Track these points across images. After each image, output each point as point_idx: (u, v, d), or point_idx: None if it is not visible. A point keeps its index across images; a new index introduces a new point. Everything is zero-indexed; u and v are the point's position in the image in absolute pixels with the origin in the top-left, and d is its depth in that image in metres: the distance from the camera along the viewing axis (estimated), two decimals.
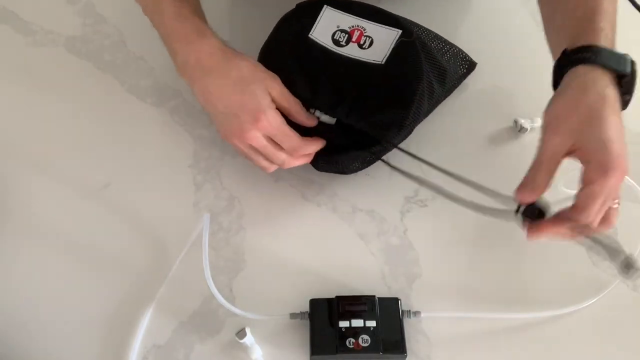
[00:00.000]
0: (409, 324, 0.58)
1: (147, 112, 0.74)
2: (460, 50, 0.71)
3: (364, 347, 0.54)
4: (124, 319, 0.59)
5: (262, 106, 0.55)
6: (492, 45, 0.79)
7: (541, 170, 0.47)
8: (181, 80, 0.70)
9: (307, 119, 0.61)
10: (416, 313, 0.58)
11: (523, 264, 0.62)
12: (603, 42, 0.49)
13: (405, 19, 0.66)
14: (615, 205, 0.48)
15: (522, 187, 0.47)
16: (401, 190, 0.67)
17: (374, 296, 0.57)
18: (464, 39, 0.78)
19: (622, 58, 0.49)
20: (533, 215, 0.48)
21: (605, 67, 0.47)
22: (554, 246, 0.63)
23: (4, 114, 0.74)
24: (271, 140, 0.57)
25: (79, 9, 0.84)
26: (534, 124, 0.70)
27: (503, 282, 0.61)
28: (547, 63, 0.76)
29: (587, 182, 0.45)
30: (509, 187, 0.67)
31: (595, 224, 0.46)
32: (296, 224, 0.66)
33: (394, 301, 0.58)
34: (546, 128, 0.48)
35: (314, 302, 0.58)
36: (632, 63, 0.49)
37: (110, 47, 0.80)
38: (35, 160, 0.70)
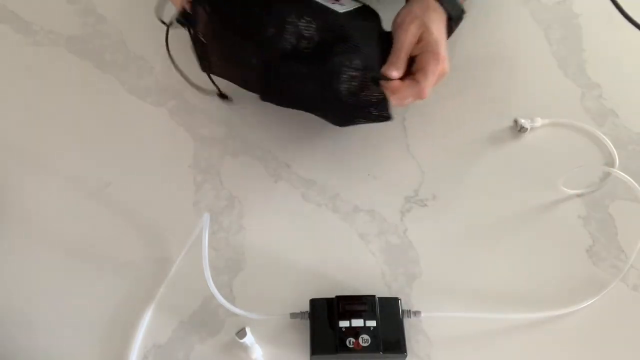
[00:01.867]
0: (409, 324, 0.58)
1: (147, 112, 0.74)
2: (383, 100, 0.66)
3: (364, 347, 0.54)
4: (124, 319, 0.59)
5: None
6: (492, 45, 0.79)
7: (403, 55, 0.60)
8: (181, 80, 0.70)
9: None
10: (416, 313, 0.58)
11: (523, 264, 0.62)
12: None
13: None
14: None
15: (391, 66, 0.60)
16: (401, 190, 0.67)
17: (374, 296, 0.57)
18: (464, 39, 0.78)
19: (455, 4, 0.64)
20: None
21: (442, 5, 0.63)
22: (554, 246, 0.63)
23: (4, 113, 0.74)
24: None
25: (79, 9, 0.84)
26: (534, 124, 0.70)
27: (503, 282, 0.61)
28: (547, 63, 0.76)
29: (422, 62, 0.60)
30: (509, 187, 0.68)
31: (427, 94, 0.61)
32: (296, 223, 0.66)
33: (394, 301, 0.58)
34: (400, 25, 0.62)
35: (314, 302, 0.58)
36: (461, 12, 0.65)
37: (111, 46, 0.80)
38: (36, 160, 0.70)
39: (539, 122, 0.71)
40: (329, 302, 0.57)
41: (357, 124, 0.67)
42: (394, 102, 0.62)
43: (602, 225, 0.64)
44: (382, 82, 0.60)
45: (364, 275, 0.62)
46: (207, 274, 0.56)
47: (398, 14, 0.64)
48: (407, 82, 0.60)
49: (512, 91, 0.75)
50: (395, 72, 0.60)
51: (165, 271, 0.61)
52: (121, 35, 0.80)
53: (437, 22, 0.62)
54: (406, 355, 0.55)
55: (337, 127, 0.69)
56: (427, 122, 0.72)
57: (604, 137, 0.70)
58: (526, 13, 0.82)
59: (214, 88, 0.69)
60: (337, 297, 0.57)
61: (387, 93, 0.61)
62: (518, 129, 0.71)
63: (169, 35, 0.65)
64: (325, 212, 0.66)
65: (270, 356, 0.57)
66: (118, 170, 0.69)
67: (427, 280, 0.61)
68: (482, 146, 0.71)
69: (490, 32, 0.81)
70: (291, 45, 0.60)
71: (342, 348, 0.54)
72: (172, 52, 0.66)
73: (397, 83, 0.60)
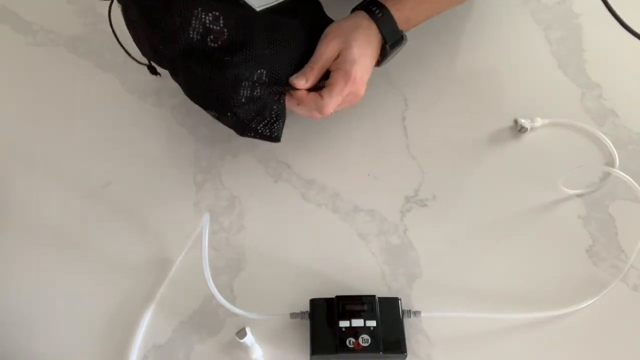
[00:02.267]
0: (409, 324, 0.58)
1: (148, 112, 0.74)
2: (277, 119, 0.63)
3: (364, 347, 0.54)
4: (124, 319, 0.59)
5: None
6: (492, 45, 0.79)
7: (317, 68, 0.60)
8: None
9: None
10: (416, 313, 0.58)
11: (523, 264, 0.62)
12: (395, 12, 0.63)
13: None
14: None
15: (300, 76, 0.59)
16: (401, 190, 0.67)
17: (374, 296, 0.57)
18: (464, 39, 0.78)
19: (393, 31, 0.63)
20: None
21: (378, 28, 0.62)
22: (554, 246, 0.63)
23: (4, 113, 0.74)
24: None
25: (79, 9, 0.84)
26: (534, 124, 0.70)
27: (503, 282, 0.61)
28: (547, 63, 0.76)
29: (332, 79, 0.59)
30: (509, 187, 0.68)
31: (329, 111, 0.60)
32: (296, 223, 0.66)
33: (394, 301, 0.58)
34: (324, 37, 0.61)
35: (314, 302, 0.58)
36: (397, 42, 0.63)
37: (111, 46, 0.79)
38: (36, 159, 0.70)
39: (539, 122, 0.71)
40: (329, 302, 0.57)
41: (246, 136, 0.64)
42: (300, 112, 0.61)
43: (602, 225, 0.64)
44: (288, 90, 0.59)
45: (364, 275, 0.62)
46: (207, 274, 0.56)
47: (329, 25, 0.63)
48: (311, 95, 0.59)
49: (512, 91, 0.75)
50: (302, 83, 0.59)
51: (165, 271, 0.61)
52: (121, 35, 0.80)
53: (362, 43, 0.60)
54: (406, 355, 0.55)
55: (337, 128, 0.69)
56: (427, 122, 0.72)
57: (604, 137, 0.70)
58: (526, 13, 0.82)
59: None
60: (337, 297, 0.57)
61: (291, 101, 0.60)
62: (518, 129, 0.71)
63: (112, 10, 0.64)
64: (325, 212, 0.66)
65: (270, 356, 0.57)
66: (118, 170, 0.69)
67: (427, 280, 0.61)
68: (482, 146, 0.71)
69: (490, 32, 0.81)
70: (196, 40, 0.56)
71: (342, 348, 0.54)
72: (115, 25, 0.65)
73: (301, 93, 0.59)
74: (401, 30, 0.63)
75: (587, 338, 0.58)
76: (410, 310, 0.58)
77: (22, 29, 0.81)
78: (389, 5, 0.62)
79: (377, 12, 0.62)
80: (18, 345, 0.58)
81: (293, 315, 0.58)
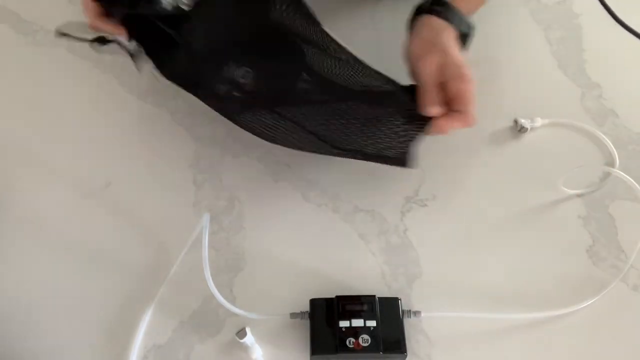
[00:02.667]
0: (409, 324, 0.58)
1: (148, 112, 0.74)
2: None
3: (364, 347, 0.54)
4: (124, 319, 0.59)
5: None
6: (492, 45, 0.79)
7: (431, 91, 0.59)
8: None
9: None
10: (416, 313, 0.58)
11: (523, 264, 0.62)
12: (457, 3, 0.64)
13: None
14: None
15: (427, 104, 0.59)
16: (401, 190, 0.67)
17: (374, 296, 0.57)
18: None
19: (463, 20, 0.63)
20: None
21: (449, 21, 0.62)
22: (554, 246, 0.63)
23: (4, 113, 0.74)
24: None
25: (79, 9, 0.83)
26: (534, 124, 0.70)
27: (503, 282, 0.61)
28: (547, 63, 0.76)
29: (454, 89, 0.59)
30: (509, 187, 0.68)
31: (474, 119, 0.60)
32: (296, 224, 0.66)
33: (394, 301, 0.58)
34: (417, 61, 0.61)
35: (314, 302, 0.58)
36: (470, 28, 0.64)
37: (111, 46, 0.79)
38: (36, 159, 0.70)
39: (539, 122, 0.71)
40: (329, 302, 0.57)
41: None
42: (439, 132, 0.61)
43: (602, 225, 0.64)
44: (425, 123, 0.59)
45: (364, 275, 0.62)
46: (207, 274, 0.56)
47: (411, 45, 0.63)
48: (450, 116, 0.59)
49: (512, 91, 0.75)
50: (435, 109, 0.58)
51: (165, 271, 0.61)
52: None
53: (452, 41, 0.61)
54: (406, 355, 0.55)
55: None
56: None
57: (604, 137, 0.70)
58: (526, 13, 0.82)
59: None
60: (337, 297, 0.57)
61: (433, 132, 0.60)
62: (518, 129, 0.71)
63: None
64: (325, 212, 0.66)
65: (270, 356, 0.57)
66: (118, 170, 0.69)
67: (427, 280, 0.61)
68: (482, 146, 0.71)
69: (490, 31, 0.80)
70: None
71: (342, 348, 0.54)
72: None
73: (441, 121, 0.59)
74: (468, 20, 0.64)
75: (587, 338, 0.58)
76: (410, 310, 0.58)
77: (22, 29, 0.81)
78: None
79: (440, 10, 0.63)
80: (18, 345, 0.58)
81: (293, 315, 0.58)
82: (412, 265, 0.62)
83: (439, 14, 0.63)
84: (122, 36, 0.62)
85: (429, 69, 0.59)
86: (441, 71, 0.59)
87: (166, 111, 0.74)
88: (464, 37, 0.64)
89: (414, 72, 0.61)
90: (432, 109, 0.58)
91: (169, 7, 0.58)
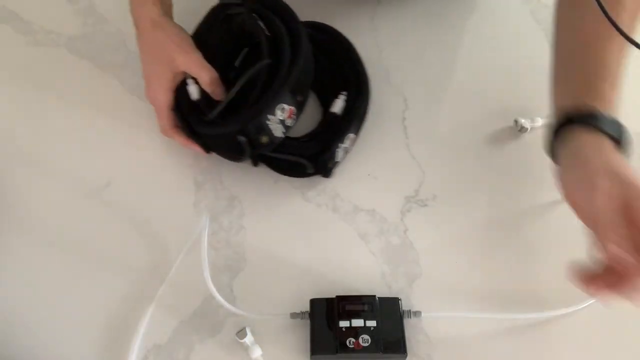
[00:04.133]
0: (409, 324, 0.58)
1: (148, 112, 0.73)
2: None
3: (364, 347, 0.54)
4: (124, 319, 0.59)
5: (153, 79, 0.65)
6: (492, 45, 0.79)
7: (615, 231, 0.45)
8: None
9: (215, 90, 0.63)
10: (416, 313, 0.58)
11: (523, 264, 0.62)
12: (605, 105, 0.52)
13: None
14: None
15: (609, 244, 0.46)
16: (401, 190, 0.67)
17: (374, 296, 0.57)
18: (465, 38, 0.78)
19: (616, 124, 0.51)
20: None
21: (603, 132, 0.50)
22: (554, 246, 0.63)
23: (4, 113, 0.74)
24: None
25: (79, 9, 0.84)
26: (534, 124, 0.70)
27: (503, 282, 0.61)
28: (547, 63, 0.76)
29: None
30: (509, 187, 0.68)
31: None
32: (297, 224, 0.66)
33: (395, 301, 0.58)
34: (590, 190, 0.48)
35: (314, 302, 0.58)
36: (623, 128, 0.52)
37: (111, 46, 0.80)
38: (36, 159, 0.70)
39: (539, 122, 0.71)
40: (329, 302, 0.57)
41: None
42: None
43: None
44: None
45: (364, 275, 0.62)
46: (207, 274, 0.56)
47: (568, 175, 0.51)
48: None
49: (512, 91, 0.75)
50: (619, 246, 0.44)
51: (165, 271, 0.61)
52: (121, 35, 0.80)
53: (621, 161, 0.49)
54: (406, 356, 0.55)
55: None
56: (427, 122, 0.72)
57: None
58: (526, 13, 0.82)
59: None
60: (337, 297, 0.57)
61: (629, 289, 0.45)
62: (518, 129, 0.71)
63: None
64: (325, 212, 0.66)
65: (270, 356, 0.57)
66: (118, 170, 0.69)
67: (427, 280, 0.61)
68: (482, 146, 0.71)
69: (490, 31, 0.81)
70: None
71: (342, 348, 0.54)
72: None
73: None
74: (616, 120, 0.52)
75: (587, 338, 0.58)
76: (410, 311, 0.58)
77: (22, 29, 0.81)
78: (591, 100, 0.52)
79: (592, 121, 0.51)
80: (18, 345, 0.58)
81: (293, 315, 0.58)
82: (412, 265, 0.62)
83: (589, 126, 0.50)
84: (195, 148, 0.65)
85: (604, 205, 0.46)
86: (622, 200, 0.46)
87: None
88: (623, 145, 0.51)
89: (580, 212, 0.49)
90: (614, 248, 0.44)
91: (282, 136, 0.62)
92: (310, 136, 0.68)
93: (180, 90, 0.65)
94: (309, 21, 0.68)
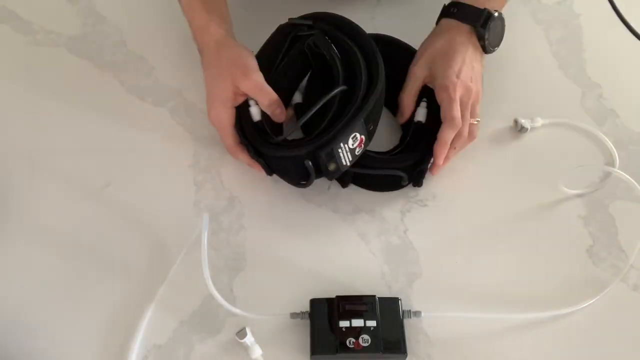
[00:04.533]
0: (409, 324, 0.58)
1: (147, 112, 0.74)
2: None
3: (364, 347, 0.54)
4: (124, 319, 0.59)
5: (215, 100, 0.64)
6: None
7: (410, 95, 0.65)
8: (181, 80, 0.69)
9: (274, 111, 0.63)
10: (416, 313, 0.58)
11: (523, 264, 0.62)
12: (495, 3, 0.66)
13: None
14: (475, 122, 0.65)
15: (402, 113, 0.66)
16: (402, 190, 0.67)
17: (375, 296, 0.57)
18: None
19: (479, 14, 0.64)
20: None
21: (461, 20, 0.65)
22: (554, 246, 0.63)
23: (4, 113, 0.74)
24: None
25: (79, 9, 0.84)
26: (534, 124, 0.70)
27: (503, 282, 0.61)
28: (547, 63, 0.76)
29: (440, 102, 0.63)
30: (509, 187, 0.68)
31: (466, 133, 0.63)
32: (297, 224, 0.66)
33: (395, 301, 0.58)
34: (413, 62, 0.66)
35: (314, 302, 0.58)
36: (488, 18, 0.64)
37: (111, 46, 0.80)
38: (36, 159, 0.70)
39: (539, 122, 0.71)
40: (329, 302, 0.57)
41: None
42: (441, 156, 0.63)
43: (602, 225, 0.64)
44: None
45: (364, 275, 0.62)
46: (207, 274, 0.56)
47: (422, 43, 0.67)
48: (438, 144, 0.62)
49: (512, 91, 0.75)
50: (406, 117, 0.66)
51: (165, 271, 0.61)
52: (121, 35, 0.80)
53: (451, 49, 0.64)
54: (406, 356, 0.55)
55: None
56: None
57: (604, 137, 0.70)
58: (526, 13, 0.82)
59: None
60: (338, 297, 0.57)
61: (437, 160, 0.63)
62: (518, 129, 0.71)
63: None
64: (325, 212, 0.66)
65: (270, 356, 0.57)
66: (118, 170, 0.69)
67: (427, 280, 0.61)
68: (482, 146, 0.70)
69: None
70: None
71: (343, 348, 0.54)
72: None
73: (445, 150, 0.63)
74: (485, 9, 0.64)
75: (587, 338, 0.58)
76: (410, 311, 0.58)
77: (22, 29, 0.81)
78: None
79: (454, 10, 0.66)
80: (18, 345, 0.58)
81: (293, 315, 0.58)
82: (412, 265, 0.62)
83: (449, 15, 0.65)
84: (257, 169, 0.65)
85: (417, 75, 0.62)
86: (429, 75, 0.63)
87: (166, 111, 0.74)
88: (481, 26, 0.64)
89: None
90: (405, 116, 0.64)
91: (349, 165, 0.61)
92: (400, 148, 0.67)
93: (243, 111, 0.64)
94: (372, 34, 0.66)
